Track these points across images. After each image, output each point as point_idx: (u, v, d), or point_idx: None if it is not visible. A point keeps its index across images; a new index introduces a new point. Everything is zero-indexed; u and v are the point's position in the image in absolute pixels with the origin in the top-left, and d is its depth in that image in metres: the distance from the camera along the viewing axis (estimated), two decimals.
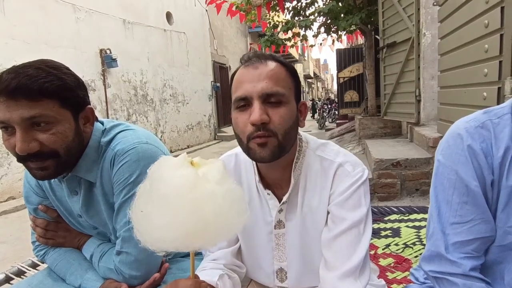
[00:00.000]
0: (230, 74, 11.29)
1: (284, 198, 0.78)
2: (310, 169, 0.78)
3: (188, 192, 0.50)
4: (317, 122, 12.81)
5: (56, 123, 0.77)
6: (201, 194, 0.50)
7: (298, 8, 6.56)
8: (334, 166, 0.76)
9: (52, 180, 0.94)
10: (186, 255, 1.05)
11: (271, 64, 0.71)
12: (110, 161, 0.86)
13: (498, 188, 0.63)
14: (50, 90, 0.74)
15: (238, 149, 0.87)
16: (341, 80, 8.84)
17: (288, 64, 0.75)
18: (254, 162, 0.81)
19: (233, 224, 0.53)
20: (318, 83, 41.58)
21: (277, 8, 6.40)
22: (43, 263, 1.22)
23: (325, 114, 12.90)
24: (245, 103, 0.70)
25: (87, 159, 0.87)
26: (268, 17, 7.36)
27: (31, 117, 0.73)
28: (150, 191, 0.52)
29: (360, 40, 9.42)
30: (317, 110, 14.91)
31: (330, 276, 0.70)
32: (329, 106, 13.22)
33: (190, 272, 0.72)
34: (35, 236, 1.00)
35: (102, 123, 0.94)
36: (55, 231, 0.98)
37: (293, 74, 0.74)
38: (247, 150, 0.72)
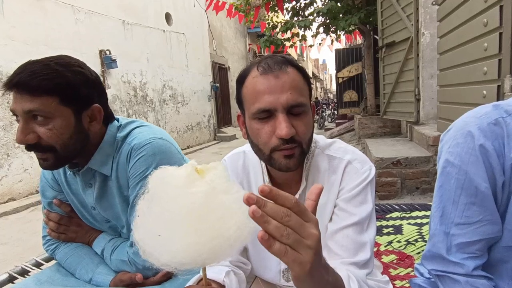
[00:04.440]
0: (229, 74, 11.35)
1: None
2: (318, 169, 0.79)
3: (206, 213, 0.47)
4: (316, 122, 12.84)
5: (53, 119, 0.80)
6: (220, 212, 0.48)
7: (297, 8, 6.59)
8: (343, 163, 0.77)
9: (68, 173, 0.97)
10: None
11: (291, 72, 0.70)
12: (127, 155, 0.89)
13: (509, 190, 0.60)
14: (48, 87, 0.77)
15: (245, 147, 0.87)
16: (340, 80, 8.86)
17: (302, 68, 0.74)
18: (262, 162, 0.82)
19: (249, 233, 0.50)
20: (317, 83, 41.65)
21: (276, 9, 6.42)
22: (47, 262, 1.22)
23: (324, 114, 12.95)
24: (267, 114, 0.69)
25: (102, 153, 0.90)
26: (267, 17, 7.38)
27: (29, 110, 0.77)
28: (160, 212, 0.48)
29: (359, 40, 9.45)
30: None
31: (332, 263, 0.71)
32: (325, 107, 13.30)
33: (200, 272, 0.74)
34: (47, 230, 1.02)
35: (117, 119, 0.97)
36: (67, 226, 1.01)
37: (307, 77, 0.74)
38: (269, 160, 0.71)
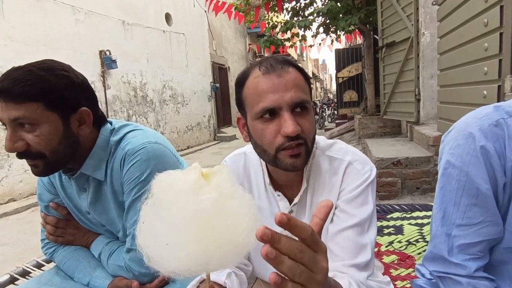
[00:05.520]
0: (229, 74, 11.35)
1: (296, 200, 0.78)
2: (319, 170, 0.78)
3: (217, 218, 0.46)
4: (317, 122, 12.86)
5: (39, 125, 0.78)
6: (229, 218, 0.47)
7: (297, 8, 6.59)
8: (344, 164, 0.77)
9: (63, 177, 0.96)
10: None
11: (293, 71, 0.70)
12: (120, 161, 0.88)
13: (510, 191, 0.60)
14: (31, 93, 0.76)
15: (246, 149, 0.87)
16: (340, 80, 8.86)
17: (302, 68, 0.75)
18: (263, 164, 0.81)
19: (256, 239, 0.51)
20: (317, 83, 41.66)
21: (276, 9, 6.42)
22: (48, 263, 1.22)
23: (324, 114, 12.98)
24: (271, 113, 0.68)
25: (95, 158, 0.89)
26: (267, 17, 7.38)
27: (15, 118, 0.77)
28: (167, 218, 0.47)
29: (359, 40, 9.45)
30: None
31: (335, 265, 0.71)
32: (325, 107, 13.33)
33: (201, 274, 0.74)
34: (45, 234, 1.02)
35: (110, 122, 0.95)
36: (64, 229, 1.00)
37: (307, 77, 0.75)
38: (275, 160, 0.71)
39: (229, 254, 0.46)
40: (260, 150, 0.73)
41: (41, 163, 0.82)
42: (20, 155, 0.80)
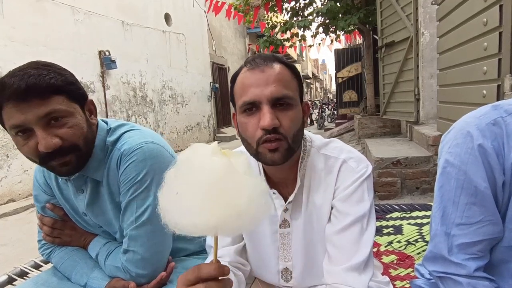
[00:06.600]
0: (229, 75, 11.34)
1: (291, 198, 0.78)
2: (314, 168, 0.78)
3: (224, 179, 0.51)
4: (316, 122, 12.86)
5: (70, 117, 0.79)
6: (236, 182, 0.51)
7: (297, 8, 6.59)
8: (339, 162, 0.76)
9: (59, 178, 0.95)
10: (191, 254, 1.05)
11: (277, 67, 0.71)
12: (117, 161, 0.87)
13: (510, 190, 0.60)
14: (57, 85, 0.76)
15: (243, 148, 0.87)
16: (340, 80, 8.86)
17: (291, 65, 0.75)
18: (260, 162, 0.81)
19: (261, 214, 0.54)
20: (317, 83, 41.66)
21: (275, 9, 6.42)
22: (46, 263, 1.22)
23: (324, 114, 12.98)
24: (253, 107, 0.70)
25: (95, 158, 0.88)
26: (266, 17, 7.38)
27: (46, 114, 0.75)
28: (184, 175, 0.53)
29: (359, 40, 9.45)
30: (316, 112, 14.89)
31: (335, 270, 0.71)
32: (325, 107, 13.35)
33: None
34: (42, 235, 1.01)
35: (106, 122, 0.94)
36: (61, 230, 0.99)
37: (297, 75, 0.75)
38: (256, 155, 0.72)
39: (231, 215, 0.51)
40: (246, 144, 0.74)
41: (74, 158, 0.80)
42: (48, 156, 0.76)
